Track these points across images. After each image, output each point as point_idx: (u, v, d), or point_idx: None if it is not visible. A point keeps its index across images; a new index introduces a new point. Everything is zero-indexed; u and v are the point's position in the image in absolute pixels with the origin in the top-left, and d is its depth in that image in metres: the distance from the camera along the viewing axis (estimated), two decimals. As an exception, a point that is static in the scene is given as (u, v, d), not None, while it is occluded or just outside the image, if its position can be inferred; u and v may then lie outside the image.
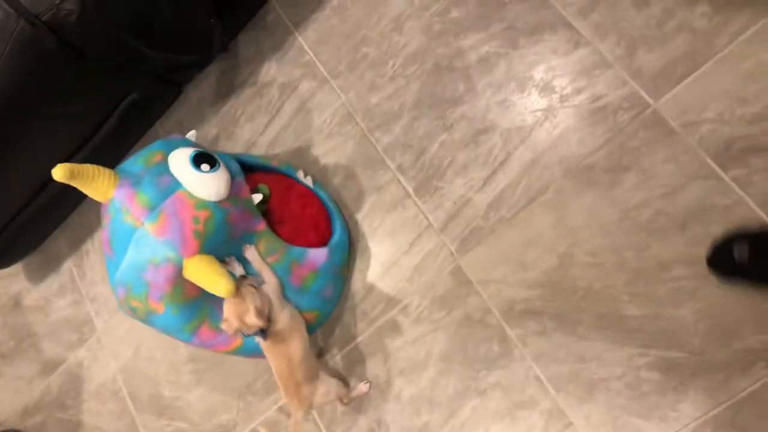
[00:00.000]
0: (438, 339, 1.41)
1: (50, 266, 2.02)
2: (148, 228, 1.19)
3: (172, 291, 1.25)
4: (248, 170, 1.48)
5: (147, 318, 1.31)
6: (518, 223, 1.36)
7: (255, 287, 1.26)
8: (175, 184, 1.23)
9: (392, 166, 1.51)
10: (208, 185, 1.24)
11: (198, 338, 1.36)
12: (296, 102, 1.66)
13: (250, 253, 1.32)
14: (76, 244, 1.98)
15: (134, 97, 1.68)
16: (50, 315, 2.00)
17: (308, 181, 1.53)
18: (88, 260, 1.94)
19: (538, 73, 1.38)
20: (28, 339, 2.03)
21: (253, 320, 1.20)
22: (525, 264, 1.34)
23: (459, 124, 1.44)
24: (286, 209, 1.47)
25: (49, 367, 1.97)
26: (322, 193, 1.53)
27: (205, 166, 1.25)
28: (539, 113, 1.37)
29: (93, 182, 1.19)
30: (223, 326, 1.23)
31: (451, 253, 1.42)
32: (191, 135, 1.41)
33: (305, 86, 1.66)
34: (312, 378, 1.33)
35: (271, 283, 1.31)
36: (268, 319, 1.25)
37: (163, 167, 1.26)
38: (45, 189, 1.79)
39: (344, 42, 1.62)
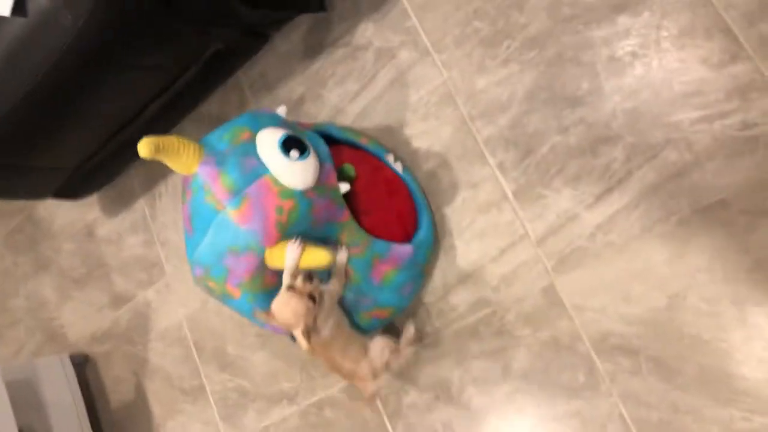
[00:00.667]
0: (519, 356, 1.34)
1: (123, 202, 2.01)
2: (231, 214, 1.13)
3: (251, 280, 1.21)
4: (333, 142, 1.38)
5: (222, 299, 1.27)
6: (628, 252, 1.23)
7: (317, 293, 1.16)
8: (261, 169, 1.15)
9: (492, 162, 1.37)
10: (295, 174, 1.16)
11: (271, 324, 1.32)
12: (392, 72, 1.51)
13: (342, 255, 1.25)
14: (149, 185, 1.94)
15: (218, 47, 1.56)
16: (122, 250, 2.01)
17: (398, 167, 1.42)
18: (161, 203, 1.92)
19: (680, 85, 1.19)
20: (100, 269, 2.06)
21: (297, 335, 1.14)
22: (629, 298, 1.23)
23: (576, 128, 1.28)
24: (372, 195, 1.37)
25: (119, 300, 2.01)
26: (411, 182, 1.42)
27: (294, 153, 1.16)
28: (673, 131, 1.19)
29: (177, 156, 1.12)
30: (262, 316, 1.15)
31: (547, 271, 1.31)
32: (281, 111, 1.30)
33: (404, 56, 1.50)
34: (361, 358, 1.28)
35: (335, 291, 1.24)
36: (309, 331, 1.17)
37: (250, 148, 1.17)
38: (123, 130, 1.74)
39: (454, 11, 1.44)
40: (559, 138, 1.30)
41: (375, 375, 1.29)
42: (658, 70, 1.21)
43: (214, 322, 1.80)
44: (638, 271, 1.22)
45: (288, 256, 1.14)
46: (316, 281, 1.18)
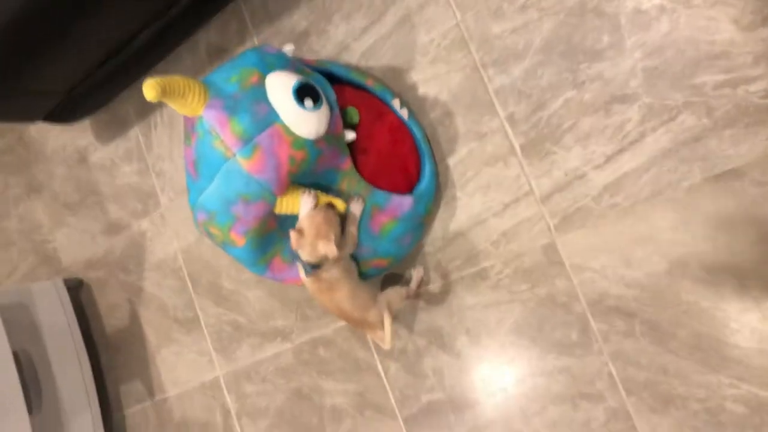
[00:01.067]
0: (513, 311, 1.34)
1: (117, 129, 1.95)
2: (242, 162, 1.10)
3: (259, 226, 1.20)
4: (336, 81, 1.33)
5: (223, 246, 1.26)
6: (634, 215, 1.21)
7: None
8: (273, 116, 1.11)
9: (502, 113, 1.33)
10: (309, 123, 1.12)
11: (270, 271, 1.32)
12: (402, 10, 1.42)
13: (356, 206, 1.24)
14: (144, 112, 1.88)
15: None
16: (116, 178, 1.97)
17: (404, 113, 1.37)
18: (156, 133, 1.86)
19: (707, 45, 1.13)
20: (93, 196, 2.03)
21: (326, 248, 1.13)
22: (629, 261, 1.22)
23: (592, 84, 1.23)
24: (374, 141, 1.33)
25: (113, 229, 1.99)
26: (416, 130, 1.37)
27: (308, 102, 1.12)
28: (694, 94, 1.14)
29: (183, 98, 1.08)
30: (293, 235, 1.15)
31: (549, 228, 1.29)
32: (288, 50, 1.24)
33: (416, -8, 1.41)
34: (370, 306, 1.28)
35: (349, 239, 1.23)
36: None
37: (260, 93, 1.12)
38: (117, 55, 1.66)
39: (473, -53, 1.35)
40: (573, 93, 1.25)
41: (382, 321, 1.29)
42: (685, 27, 1.15)
43: (209, 256, 1.79)
44: (642, 235, 1.20)
45: (303, 207, 1.18)
46: (333, 209, 1.21)
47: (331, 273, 1.22)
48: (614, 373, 1.25)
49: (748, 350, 1.13)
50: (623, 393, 1.24)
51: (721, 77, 1.12)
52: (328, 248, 1.13)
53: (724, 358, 1.15)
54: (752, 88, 1.10)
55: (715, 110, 1.13)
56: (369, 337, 1.32)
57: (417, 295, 1.43)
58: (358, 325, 1.31)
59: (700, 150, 1.15)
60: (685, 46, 1.15)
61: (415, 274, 1.42)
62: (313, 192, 1.18)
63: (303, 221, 1.16)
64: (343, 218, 1.24)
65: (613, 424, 1.25)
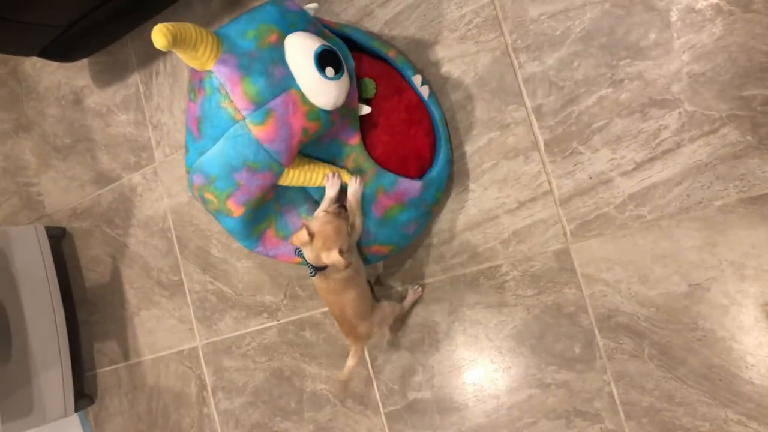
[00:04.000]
0: (516, 315, 1.27)
1: (116, 74, 1.84)
2: (252, 128, 1.01)
3: (260, 197, 1.12)
4: (354, 48, 1.23)
5: (216, 214, 1.17)
6: (658, 230, 1.13)
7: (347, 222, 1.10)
8: (289, 80, 1.02)
9: (529, 104, 1.23)
10: (328, 94, 1.04)
11: (262, 246, 1.24)
12: (435, -20, 1.32)
13: (357, 186, 1.15)
14: (147, 59, 1.77)
15: None
16: (110, 126, 1.86)
17: (424, 91, 1.27)
18: (157, 83, 1.75)
19: (761, 55, 1.04)
20: (85, 142, 1.93)
21: (331, 258, 1.04)
22: (647, 278, 1.14)
23: (631, 84, 1.14)
24: (389, 118, 1.24)
25: (102, 179, 1.89)
26: (435, 111, 1.28)
27: (330, 71, 1.03)
28: (741, 107, 1.05)
29: (194, 49, 0.97)
30: (300, 234, 1.06)
31: (564, 233, 1.21)
32: (311, 7, 1.13)
33: (451, -37, 1.31)
34: (367, 316, 1.22)
35: (356, 229, 1.15)
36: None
37: (278, 54, 1.02)
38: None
39: None
40: (609, 91, 1.16)
41: (366, 341, 1.26)
42: (740, 33, 1.05)
43: (200, 220, 1.70)
44: (663, 252, 1.12)
45: (329, 188, 1.14)
46: (345, 213, 1.12)
47: (341, 274, 1.13)
48: (615, 393, 1.18)
49: (761, 388, 1.06)
50: (622, 416, 1.17)
51: (774, 92, 1.03)
52: (331, 259, 1.05)
53: (735, 393, 1.08)
54: (807, 107, 1.01)
55: (761, 127, 1.04)
56: (350, 342, 1.24)
57: (406, 314, 1.38)
58: (347, 331, 1.23)
59: (739, 168, 1.06)
60: (738, 54, 1.06)
61: (411, 293, 1.34)
62: (336, 174, 1.12)
63: (314, 224, 1.06)
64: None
65: (607, 446, 1.19)
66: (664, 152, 1.11)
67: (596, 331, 1.19)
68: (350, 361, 1.23)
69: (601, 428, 1.19)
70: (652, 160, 1.12)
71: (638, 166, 1.14)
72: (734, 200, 1.07)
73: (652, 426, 1.14)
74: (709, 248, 1.09)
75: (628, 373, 1.16)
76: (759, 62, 1.04)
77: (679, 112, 1.10)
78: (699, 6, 1.08)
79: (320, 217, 1.07)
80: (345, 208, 1.12)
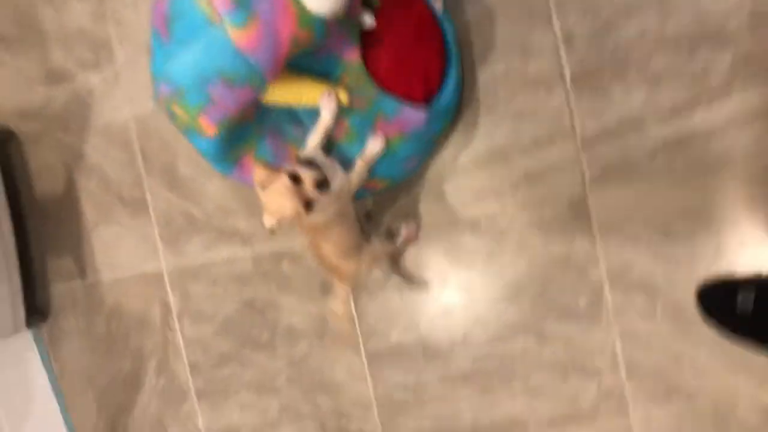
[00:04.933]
0: (518, 264, 1.17)
1: (71, -47, 1.57)
2: (231, 32, 0.84)
3: (237, 116, 0.96)
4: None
5: (187, 132, 1.01)
6: (687, 186, 1.02)
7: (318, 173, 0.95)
8: None
9: (558, 29, 1.07)
10: None
11: (239, 171, 1.09)
12: None
13: (378, 144, 1.02)
14: (108, -62, 1.51)
15: None
16: (64, 16, 1.61)
17: (437, 5, 1.09)
18: (120, -31, 1.51)
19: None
20: (35, 34, 1.67)
21: (264, 221, 0.95)
22: (671, 234, 1.04)
23: (681, 14, 0.98)
24: (395, 33, 1.06)
25: (55, 77, 1.66)
26: (449, 29, 1.11)
27: None
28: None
29: None
30: (258, 172, 0.97)
31: (583, 179, 1.09)
32: None
33: None
34: (353, 255, 1.11)
35: (352, 184, 1.03)
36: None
37: None
38: None
39: None
40: (654, 21, 1.00)
41: (353, 281, 1.18)
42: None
43: (167, 132, 1.51)
44: (692, 208, 1.02)
45: (323, 110, 0.98)
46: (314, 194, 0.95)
47: (320, 216, 1.00)
48: (619, 351, 1.11)
49: (777, 358, 1.00)
50: (623, 374, 1.11)
51: None
52: (264, 221, 0.95)
53: (755, 365, 1.02)
54: None
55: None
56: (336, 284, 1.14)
57: (399, 254, 1.26)
58: (329, 270, 1.13)
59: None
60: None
61: (405, 231, 1.22)
62: (333, 93, 0.96)
63: (267, 193, 0.94)
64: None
65: (603, 403, 1.13)
66: (710, 98, 0.99)
67: (606, 287, 1.10)
68: (336, 305, 1.13)
69: (598, 385, 1.14)
70: (694, 105, 1.00)
71: (677, 112, 1.01)
72: (779, 158, 0.96)
73: (654, 387, 1.10)
74: (749, 211, 0.99)
75: (636, 332, 1.10)
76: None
77: (734, 53, 0.96)
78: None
79: (278, 186, 0.93)
80: (323, 183, 0.94)
